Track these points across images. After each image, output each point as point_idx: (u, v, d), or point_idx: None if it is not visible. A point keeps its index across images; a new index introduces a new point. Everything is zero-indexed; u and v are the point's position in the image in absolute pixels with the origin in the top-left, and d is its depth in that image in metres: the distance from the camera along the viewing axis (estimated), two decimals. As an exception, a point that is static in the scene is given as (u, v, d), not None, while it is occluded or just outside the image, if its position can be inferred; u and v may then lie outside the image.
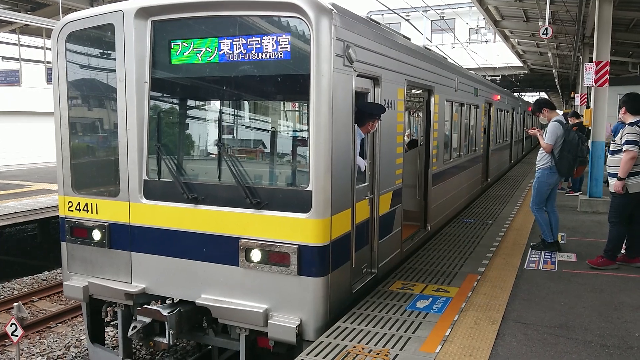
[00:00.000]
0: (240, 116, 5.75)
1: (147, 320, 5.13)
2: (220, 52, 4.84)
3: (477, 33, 39.09)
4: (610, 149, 6.59)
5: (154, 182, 5.27)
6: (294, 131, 5.61)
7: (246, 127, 5.76)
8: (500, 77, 35.71)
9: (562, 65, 28.43)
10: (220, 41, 4.83)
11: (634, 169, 6.25)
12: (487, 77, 26.91)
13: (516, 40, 24.86)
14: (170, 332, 5.05)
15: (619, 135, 6.40)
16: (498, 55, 34.04)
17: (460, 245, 7.75)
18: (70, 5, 15.37)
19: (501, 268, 6.58)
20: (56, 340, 8.22)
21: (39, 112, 29.45)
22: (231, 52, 4.78)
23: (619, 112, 6.74)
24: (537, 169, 7.34)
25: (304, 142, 4.91)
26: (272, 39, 4.59)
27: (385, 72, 5.76)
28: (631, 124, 6.29)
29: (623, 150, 6.20)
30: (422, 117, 7.70)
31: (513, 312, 5.13)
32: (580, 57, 20.41)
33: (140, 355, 7.50)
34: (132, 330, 5.15)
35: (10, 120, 30.29)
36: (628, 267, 6.59)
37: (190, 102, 5.83)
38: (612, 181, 6.40)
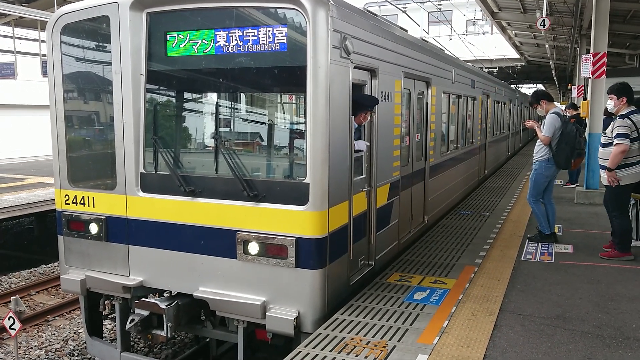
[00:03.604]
0: (237, 108, 5.73)
1: (145, 313, 5.14)
2: (216, 44, 4.81)
3: (474, 25, 38.99)
4: (601, 141, 6.59)
5: (150, 175, 5.25)
6: (291, 123, 5.60)
7: (243, 119, 5.74)
8: (497, 69, 35.65)
9: (560, 57, 28.40)
10: (216, 33, 4.80)
11: (625, 161, 6.28)
12: (484, 69, 26.90)
13: (513, 31, 24.80)
14: (168, 324, 5.05)
15: (610, 127, 6.40)
16: (495, 47, 33.96)
17: (458, 237, 7.76)
18: (65, -3, 15.26)
19: (498, 260, 6.60)
20: (54, 334, 8.23)
21: (35, 105, 29.30)
22: (227, 44, 4.76)
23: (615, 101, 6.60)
24: (534, 161, 7.35)
25: (301, 134, 4.90)
26: (269, 31, 4.56)
27: (383, 64, 5.74)
28: (622, 117, 6.29)
29: (614, 143, 6.21)
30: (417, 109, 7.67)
31: (510, 303, 5.15)
32: (578, 48, 20.42)
33: (138, 348, 7.51)
34: (130, 323, 5.16)
35: (6, 113, 30.13)
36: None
37: (187, 95, 5.80)
38: (603, 174, 6.43)
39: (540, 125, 7.29)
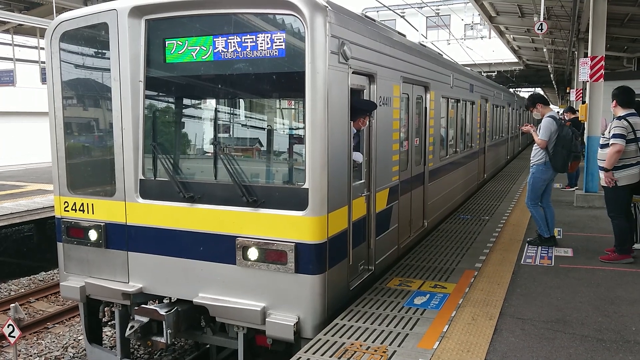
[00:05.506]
0: (236, 114, 5.74)
1: (145, 319, 5.12)
2: (215, 50, 4.83)
3: (472, 29, 39.15)
4: (600, 142, 6.67)
5: (150, 181, 5.26)
6: (289, 129, 5.60)
7: (242, 125, 5.75)
8: (495, 73, 35.77)
9: (558, 61, 28.48)
10: (214, 39, 4.81)
11: (622, 162, 6.33)
12: (482, 73, 26.95)
13: (511, 36, 24.88)
14: (168, 331, 5.04)
15: (607, 129, 6.49)
16: (493, 51, 34.08)
17: (457, 241, 7.76)
18: (64, 4, 15.30)
19: (498, 264, 6.59)
20: (54, 341, 8.21)
21: (34, 112, 29.33)
22: (226, 50, 4.77)
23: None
24: (531, 164, 7.37)
25: (300, 139, 4.91)
26: (267, 37, 4.58)
27: (381, 69, 5.75)
28: (619, 118, 6.37)
29: (610, 143, 6.28)
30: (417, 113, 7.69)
31: (510, 307, 5.15)
32: (576, 52, 20.47)
33: (138, 355, 7.49)
34: (129, 330, 5.14)
35: (5, 120, 30.16)
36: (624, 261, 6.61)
37: (186, 101, 5.81)
38: (602, 174, 6.48)
39: (537, 129, 7.33)
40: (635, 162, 6.39)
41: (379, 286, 5.76)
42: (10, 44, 18.57)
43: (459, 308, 5.10)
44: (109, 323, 6.04)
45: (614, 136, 6.27)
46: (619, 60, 22.61)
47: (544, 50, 24.02)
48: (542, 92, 44.40)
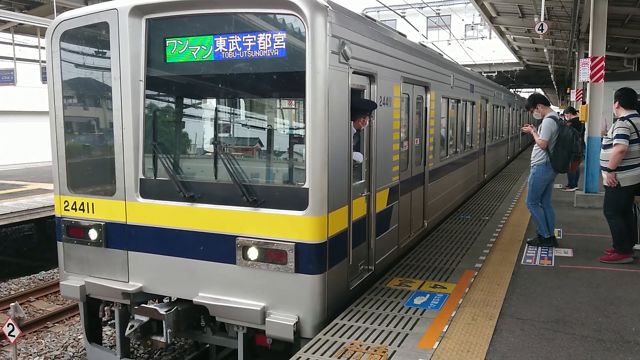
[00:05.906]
0: (236, 114, 5.74)
1: (145, 319, 5.13)
2: (215, 50, 4.83)
3: (472, 29, 39.15)
4: (603, 143, 6.69)
5: (150, 180, 5.26)
6: (290, 129, 5.61)
7: (242, 125, 5.75)
8: (496, 74, 35.75)
9: (558, 61, 28.47)
10: (215, 39, 4.82)
11: (625, 162, 6.35)
12: (483, 74, 26.95)
13: (512, 36, 24.87)
14: (168, 330, 5.04)
15: (610, 129, 6.51)
16: (494, 51, 34.08)
17: (457, 241, 7.76)
18: (65, 3, 15.30)
19: (498, 264, 6.59)
20: (54, 340, 8.21)
21: (34, 111, 29.35)
22: (226, 49, 4.77)
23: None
24: (532, 165, 7.37)
25: (300, 139, 4.91)
26: (268, 37, 4.58)
27: (381, 69, 5.76)
28: (622, 119, 6.40)
29: (613, 144, 6.30)
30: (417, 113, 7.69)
31: (510, 307, 5.15)
32: (576, 52, 20.46)
33: (138, 354, 7.49)
34: (129, 329, 5.15)
35: (6, 119, 30.17)
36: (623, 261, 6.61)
37: (186, 100, 5.82)
38: (604, 174, 6.50)
39: (537, 129, 7.33)
40: (638, 162, 6.40)
41: (379, 286, 5.76)
42: (10, 43, 18.58)
43: (458, 308, 5.10)
44: (109, 322, 6.04)
45: (618, 136, 6.29)
46: (620, 60, 22.60)
47: (545, 50, 24.02)
48: (542, 93, 44.43)
